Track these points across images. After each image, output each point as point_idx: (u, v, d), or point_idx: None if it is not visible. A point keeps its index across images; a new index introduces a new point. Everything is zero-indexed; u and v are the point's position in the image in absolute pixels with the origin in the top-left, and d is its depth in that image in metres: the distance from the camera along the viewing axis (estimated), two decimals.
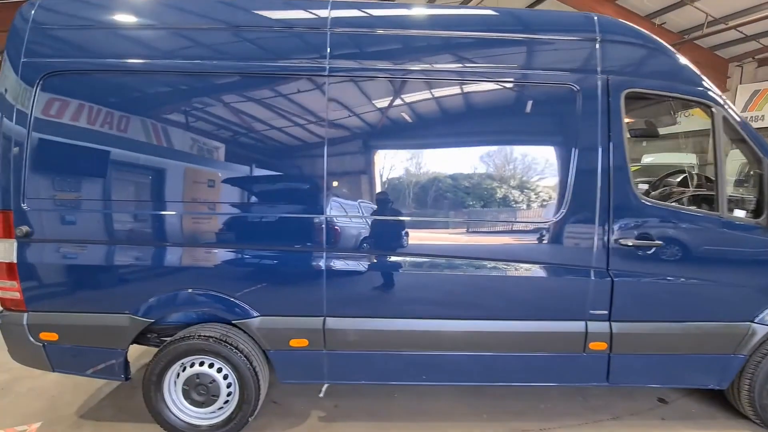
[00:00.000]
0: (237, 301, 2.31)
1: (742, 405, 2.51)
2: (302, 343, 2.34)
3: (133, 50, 2.26)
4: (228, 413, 2.40)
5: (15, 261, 2.25)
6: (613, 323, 2.38)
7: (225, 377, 2.38)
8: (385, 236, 2.37)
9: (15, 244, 2.25)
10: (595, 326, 2.38)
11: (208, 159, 2.32)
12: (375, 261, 2.35)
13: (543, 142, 2.43)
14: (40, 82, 2.18)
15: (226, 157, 2.31)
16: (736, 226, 2.41)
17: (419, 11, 2.37)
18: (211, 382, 2.36)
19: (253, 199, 2.39)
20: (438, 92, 2.31)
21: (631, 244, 2.31)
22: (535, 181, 2.38)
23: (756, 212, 2.42)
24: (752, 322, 2.38)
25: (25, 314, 2.31)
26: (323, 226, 2.27)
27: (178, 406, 2.40)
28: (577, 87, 2.26)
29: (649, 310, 2.41)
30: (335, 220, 2.29)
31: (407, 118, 2.38)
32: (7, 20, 2.30)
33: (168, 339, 2.36)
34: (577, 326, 2.38)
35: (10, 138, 2.20)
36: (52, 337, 2.32)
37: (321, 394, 2.51)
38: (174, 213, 2.30)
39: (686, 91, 2.40)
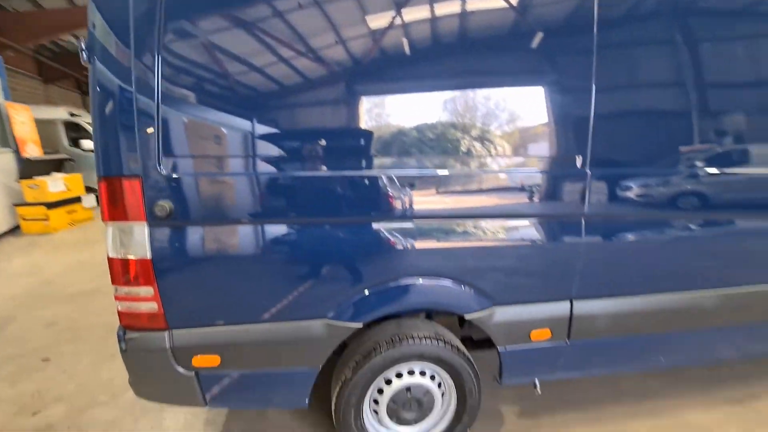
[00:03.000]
0: (470, 289, 1.72)
1: None
2: (545, 334, 1.84)
3: None
4: (441, 428, 1.89)
5: (149, 256, 1.46)
6: None
7: (438, 385, 1.85)
8: (677, 191, 1.83)
9: (147, 231, 1.45)
10: None
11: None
12: (650, 223, 1.84)
13: None
14: None
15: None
16: None
17: None
18: (425, 394, 1.82)
19: (499, 149, 1.66)
20: None
21: None
22: None
23: None
24: None
25: (167, 333, 1.55)
26: (584, 182, 1.70)
27: (385, 427, 1.87)
28: None
29: None
30: (599, 176, 1.71)
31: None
32: None
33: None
34: None
35: (124, 70, 1.35)
36: (212, 361, 1.59)
37: (538, 391, 2.05)
38: (397, 173, 1.56)
39: None
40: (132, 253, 1.44)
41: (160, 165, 1.40)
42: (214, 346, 1.57)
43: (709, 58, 1.75)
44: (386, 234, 1.60)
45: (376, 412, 1.83)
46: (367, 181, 1.56)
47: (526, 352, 1.84)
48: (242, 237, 1.52)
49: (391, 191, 1.57)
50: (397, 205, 1.59)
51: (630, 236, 1.82)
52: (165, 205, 1.41)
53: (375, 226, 1.60)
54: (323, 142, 1.51)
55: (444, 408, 1.88)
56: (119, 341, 1.54)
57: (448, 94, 1.61)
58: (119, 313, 1.53)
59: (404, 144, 1.57)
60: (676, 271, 1.91)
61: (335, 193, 1.54)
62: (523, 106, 1.64)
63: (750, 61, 1.80)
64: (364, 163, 1.55)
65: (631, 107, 1.73)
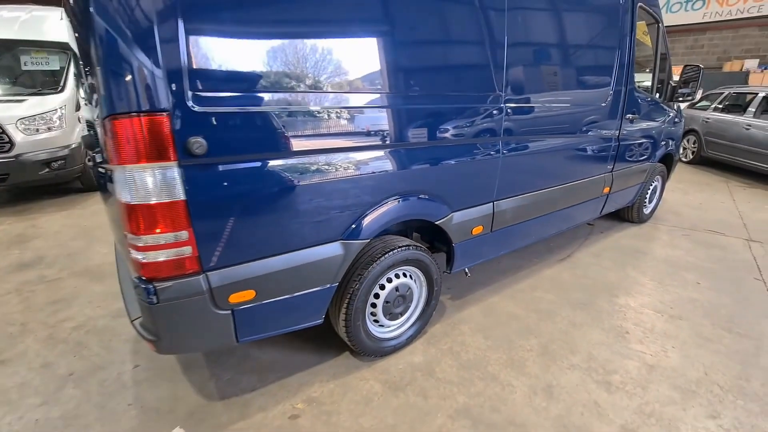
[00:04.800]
0: (439, 202, 2.20)
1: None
2: (479, 229, 2.50)
3: None
4: (417, 315, 2.41)
5: (184, 198, 1.38)
6: (614, 172, 3.59)
7: (415, 282, 2.34)
8: (538, 119, 2.64)
9: (178, 171, 1.35)
10: (608, 175, 3.53)
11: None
12: (533, 143, 2.63)
13: None
14: None
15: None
16: (656, 99, 3.91)
17: None
18: (407, 290, 2.28)
19: (466, 90, 2.16)
20: None
21: (632, 116, 3.47)
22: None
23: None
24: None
25: (202, 276, 1.51)
26: (503, 112, 2.34)
27: (382, 325, 2.27)
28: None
29: (633, 158, 3.74)
30: (511, 108, 2.38)
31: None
32: None
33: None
34: (606, 177, 3.49)
35: None
36: (248, 296, 1.63)
37: (469, 274, 2.76)
38: (398, 107, 1.87)
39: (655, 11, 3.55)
40: (163, 197, 1.34)
41: (189, 99, 1.33)
42: (249, 280, 1.62)
43: (567, 30, 2.63)
44: (394, 160, 1.92)
45: (373, 314, 2.20)
46: (394, 113, 1.87)
47: (468, 244, 2.50)
48: (275, 171, 1.58)
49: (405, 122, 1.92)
50: (400, 135, 1.94)
51: (524, 151, 2.61)
52: (199, 141, 1.36)
53: (388, 152, 1.92)
54: (347, 72, 1.69)
55: (418, 298, 2.40)
56: (148, 295, 1.43)
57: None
58: (142, 265, 1.41)
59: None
60: (544, 174, 2.86)
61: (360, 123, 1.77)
62: (473, 55, 2.16)
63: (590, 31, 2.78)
64: (369, 98, 1.80)
65: (524, 58, 2.43)
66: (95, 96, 1.54)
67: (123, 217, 1.38)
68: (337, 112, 1.71)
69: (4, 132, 4.70)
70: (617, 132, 3.42)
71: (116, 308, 2.83)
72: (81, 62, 1.66)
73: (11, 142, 4.73)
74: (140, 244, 1.38)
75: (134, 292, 1.52)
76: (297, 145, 1.63)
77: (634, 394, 2.06)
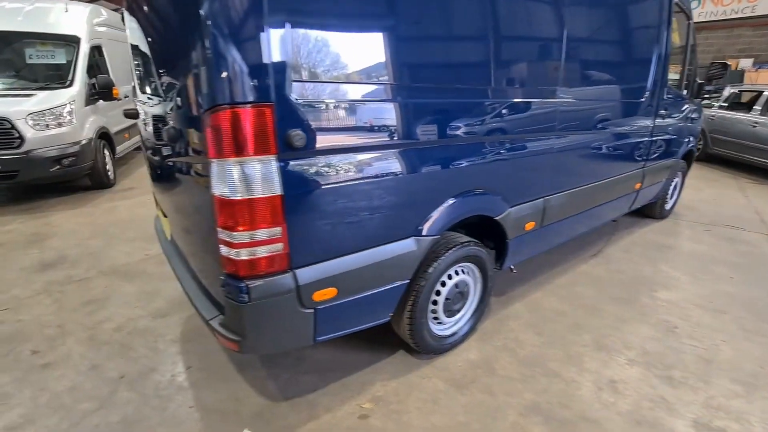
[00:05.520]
0: (500, 197, 2.18)
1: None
2: (532, 225, 2.49)
3: None
4: (472, 311, 2.38)
5: (281, 193, 1.32)
6: (645, 168, 3.61)
7: (471, 278, 2.31)
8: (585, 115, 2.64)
9: (276, 165, 1.30)
10: (640, 171, 3.55)
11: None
12: (582, 137, 2.63)
13: None
14: None
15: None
16: (684, 96, 3.92)
17: None
18: (465, 286, 2.25)
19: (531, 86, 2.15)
20: None
21: (664, 112, 3.48)
22: None
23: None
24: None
25: (290, 274, 1.46)
26: (557, 105, 2.33)
27: (441, 322, 2.24)
28: None
29: (661, 155, 3.75)
30: (566, 102, 2.37)
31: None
32: None
33: None
34: (639, 173, 3.50)
35: None
36: (330, 294, 1.58)
37: (514, 270, 2.75)
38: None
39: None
40: (262, 191, 1.29)
41: (291, 91, 1.27)
42: (332, 278, 1.57)
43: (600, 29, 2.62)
44: (469, 155, 1.90)
45: (433, 311, 2.17)
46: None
47: (521, 240, 2.48)
48: (367, 164, 1.54)
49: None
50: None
51: (574, 145, 2.60)
52: (299, 133, 1.30)
53: (464, 147, 1.90)
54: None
55: (474, 294, 2.37)
56: (240, 293, 1.37)
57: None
58: (235, 262, 1.35)
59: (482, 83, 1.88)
60: (590, 168, 2.85)
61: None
62: (541, 51, 2.15)
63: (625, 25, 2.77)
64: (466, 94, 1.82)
65: (578, 53, 2.42)
66: (171, 92, 1.49)
67: (216, 212, 1.32)
68: (430, 107, 1.69)
69: (13, 127, 4.54)
70: (651, 127, 3.43)
71: (154, 308, 2.75)
72: (153, 60, 1.59)
73: (21, 138, 4.57)
74: (234, 241, 1.33)
75: (221, 291, 1.46)
76: (389, 139, 1.60)
77: (698, 389, 2.07)
